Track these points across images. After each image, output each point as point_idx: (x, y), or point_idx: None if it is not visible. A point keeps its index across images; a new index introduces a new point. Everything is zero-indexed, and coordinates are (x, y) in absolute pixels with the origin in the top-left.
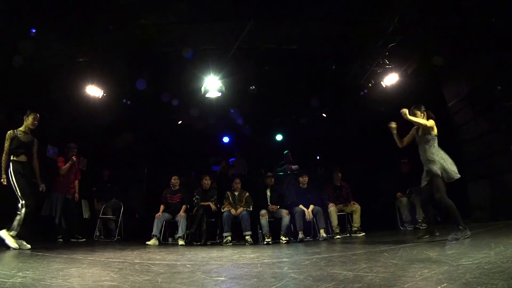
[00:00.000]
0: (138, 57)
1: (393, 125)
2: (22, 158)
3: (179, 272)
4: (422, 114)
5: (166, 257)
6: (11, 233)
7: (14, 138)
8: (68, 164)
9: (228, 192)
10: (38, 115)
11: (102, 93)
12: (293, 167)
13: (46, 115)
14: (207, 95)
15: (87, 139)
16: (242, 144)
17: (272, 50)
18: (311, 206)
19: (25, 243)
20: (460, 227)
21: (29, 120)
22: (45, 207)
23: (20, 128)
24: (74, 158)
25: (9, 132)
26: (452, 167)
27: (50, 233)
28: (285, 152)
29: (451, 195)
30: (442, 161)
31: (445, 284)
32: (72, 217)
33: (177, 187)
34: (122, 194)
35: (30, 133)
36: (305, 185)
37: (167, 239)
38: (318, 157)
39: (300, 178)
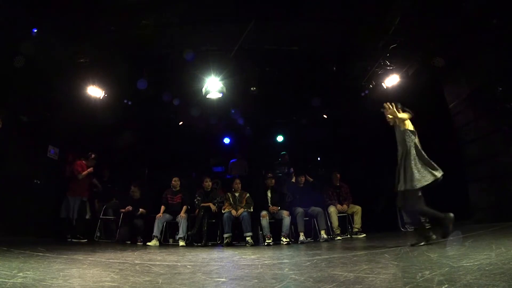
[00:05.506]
0: (139, 57)
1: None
2: None
3: (180, 273)
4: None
5: (167, 258)
6: None
7: None
8: (86, 172)
9: (228, 193)
10: None
11: (103, 94)
12: (290, 170)
13: (47, 115)
14: (208, 96)
15: (88, 140)
16: (243, 145)
17: (273, 51)
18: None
19: None
20: None
21: None
22: (63, 210)
23: None
24: (91, 169)
25: None
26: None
27: (65, 234)
28: (282, 153)
29: (452, 196)
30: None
31: (446, 286)
32: (83, 218)
33: (177, 188)
34: (122, 195)
35: None
36: (302, 184)
37: (167, 240)
38: (318, 158)
39: (298, 178)
